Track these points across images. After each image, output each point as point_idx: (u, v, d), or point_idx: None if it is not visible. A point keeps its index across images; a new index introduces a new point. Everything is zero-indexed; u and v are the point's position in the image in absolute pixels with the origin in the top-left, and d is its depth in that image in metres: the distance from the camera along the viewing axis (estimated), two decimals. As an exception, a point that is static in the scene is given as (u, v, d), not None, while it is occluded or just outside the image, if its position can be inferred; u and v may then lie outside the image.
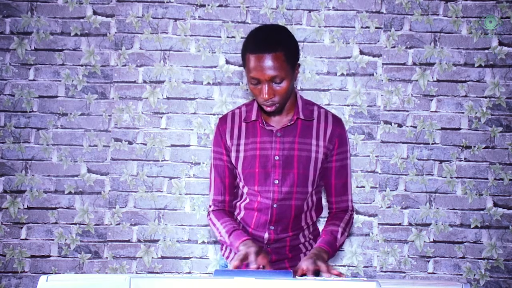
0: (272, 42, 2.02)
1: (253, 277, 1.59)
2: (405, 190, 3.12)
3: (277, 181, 2.19)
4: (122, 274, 3.07)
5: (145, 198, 3.13)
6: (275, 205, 2.21)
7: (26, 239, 3.13)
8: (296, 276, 1.89)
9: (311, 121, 2.20)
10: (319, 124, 2.21)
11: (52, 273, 3.08)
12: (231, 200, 2.29)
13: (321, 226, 2.32)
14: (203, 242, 3.13)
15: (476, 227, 3.12)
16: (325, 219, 2.30)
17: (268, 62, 2.00)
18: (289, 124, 2.18)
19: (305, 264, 1.99)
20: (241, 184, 2.25)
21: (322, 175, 2.25)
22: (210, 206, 2.29)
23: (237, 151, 2.21)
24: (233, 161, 2.23)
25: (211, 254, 3.13)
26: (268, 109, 2.09)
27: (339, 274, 1.95)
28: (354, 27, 3.11)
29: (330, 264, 2.01)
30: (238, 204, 2.30)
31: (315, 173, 2.21)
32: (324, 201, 2.35)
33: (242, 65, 2.10)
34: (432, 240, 3.12)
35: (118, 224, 3.13)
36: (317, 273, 1.99)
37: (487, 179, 3.11)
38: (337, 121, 2.23)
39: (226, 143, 2.23)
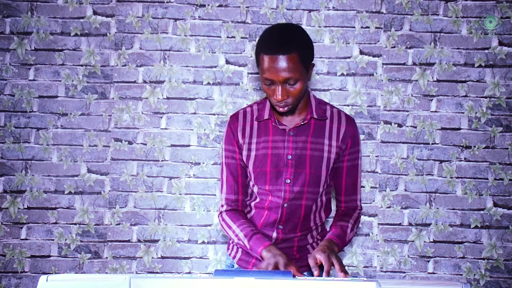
0: (286, 43, 2.00)
1: (253, 277, 1.59)
2: (405, 190, 3.12)
3: (288, 181, 2.18)
4: (122, 274, 3.07)
5: (145, 198, 3.13)
6: (285, 205, 2.20)
7: (26, 239, 3.13)
8: (297, 277, 1.89)
9: (324, 121, 2.19)
10: (332, 123, 2.20)
11: (52, 273, 3.08)
12: (244, 199, 2.27)
13: (329, 226, 2.32)
14: (203, 242, 3.13)
15: (476, 227, 3.12)
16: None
17: (283, 63, 1.98)
18: (302, 123, 2.17)
19: (319, 255, 1.96)
20: (251, 183, 2.25)
21: (333, 174, 2.25)
22: (222, 206, 2.25)
23: (249, 149, 2.21)
24: (244, 160, 2.22)
25: (211, 254, 3.13)
26: (281, 109, 2.08)
27: (345, 276, 1.96)
28: (354, 27, 3.11)
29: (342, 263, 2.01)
30: (248, 202, 2.29)
31: (327, 173, 2.20)
32: (332, 201, 2.34)
33: (256, 64, 2.09)
34: (432, 240, 3.12)
35: (118, 224, 3.13)
36: (322, 267, 1.99)
37: (487, 179, 3.11)
38: (350, 120, 2.23)
39: (238, 141, 2.22)
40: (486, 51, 3.10)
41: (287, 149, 2.17)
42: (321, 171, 2.18)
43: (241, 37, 3.10)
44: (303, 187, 2.18)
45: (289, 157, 2.17)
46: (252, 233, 2.14)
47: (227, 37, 3.11)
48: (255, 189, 2.23)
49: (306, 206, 2.21)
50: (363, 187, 3.11)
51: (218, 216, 2.27)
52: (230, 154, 2.24)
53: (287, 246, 2.25)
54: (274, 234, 2.24)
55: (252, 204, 2.27)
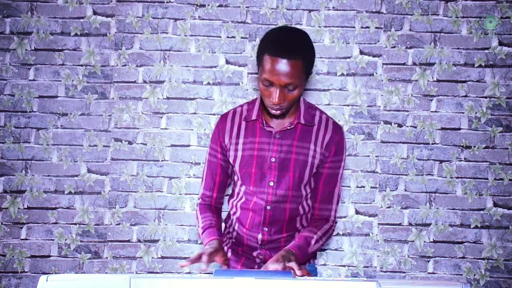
0: (293, 49, 1.98)
1: (253, 277, 1.59)
2: (405, 190, 3.12)
3: (272, 183, 2.18)
4: (122, 274, 3.07)
5: (145, 198, 3.13)
6: (268, 207, 2.20)
7: (26, 239, 3.13)
8: (296, 276, 1.89)
9: (311, 127, 2.19)
10: (318, 130, 2.19)
11: (52, 273, 3.08)
12: (218, 197, 2.31)
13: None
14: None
15: (476, 227, 3.12)
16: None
17: (286, 68, 1.97)
18: (289, 127, 2.17)
19: (273, 266, 1.95)
20: (239, 183, 2.25)
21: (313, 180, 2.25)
22: (198, 199, 2.33)
23: (235, 150, 2.21)
24: (231, 160, 2.23)
25: (211, 254, 3.13)
26: (274, 112, 2.08)
27: (308, 274, 1.96)
28: (354, 27, 3.11)
29: (302, 266, 2.02)
30: (235, 203, 2.30)
31: (310, 177, 2.20)
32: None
33: (257, 63, 2.08)
34: (432, 240, 3.12)
35: (118, 224, 3.13)
36: None
37: (487, 179, 3.11)
38: (337, 128, 2.21)
39: (223, 142, 2.23)
40: (486, 51, 3.10)
41: (271, 151, 2.17)
42: (305, 175, 2.18)
43: (241, 37, 3.10)
44: (287, 190, 2.18)
45: (273, 159, 2.17)
46: (208, 226, 2.20)
47: (227, 37, 3.11)
48: (243, 189, 2.24)
49: (290, 210, 2.21)
50: (363, 187, 3.11)
51: (195, 210, 2.34)
52: (213, 152, 2.26)
53: (274, 247, 2.25)
54: (260, 236, 2.24)
55: (238, 204, 2.27)
